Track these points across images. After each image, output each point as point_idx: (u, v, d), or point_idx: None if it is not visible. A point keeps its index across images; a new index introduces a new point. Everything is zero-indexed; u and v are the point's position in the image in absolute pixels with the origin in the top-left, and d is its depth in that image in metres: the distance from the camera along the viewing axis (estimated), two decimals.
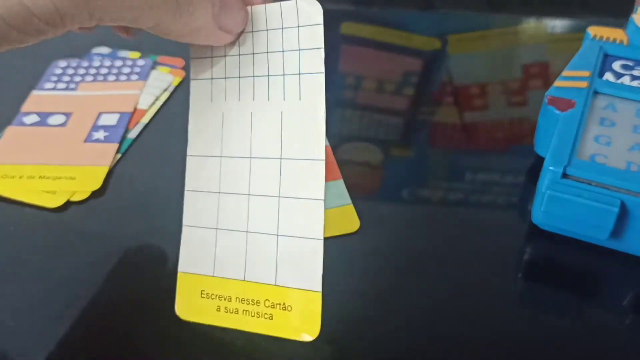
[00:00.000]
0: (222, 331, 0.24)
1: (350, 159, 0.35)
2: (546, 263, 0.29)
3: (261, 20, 0.24)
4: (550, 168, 0.27)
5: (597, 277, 0.29)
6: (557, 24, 0.47)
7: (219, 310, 0.25)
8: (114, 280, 0.28)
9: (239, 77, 0.25)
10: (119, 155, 0.35)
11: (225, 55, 0.25)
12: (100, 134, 0.36)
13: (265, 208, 0.24)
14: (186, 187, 0.26)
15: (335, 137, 0.36)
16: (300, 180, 0.24)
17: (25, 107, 0.38)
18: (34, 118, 0.37)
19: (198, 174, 0.26)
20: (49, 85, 0.40)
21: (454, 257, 0.29)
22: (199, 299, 0.25)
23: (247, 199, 0.25)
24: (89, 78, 0.41)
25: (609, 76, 0.33)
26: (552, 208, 0.28)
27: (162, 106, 0.39)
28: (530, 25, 0.47)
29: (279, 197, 0.24)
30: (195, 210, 0.26)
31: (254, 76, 0.24)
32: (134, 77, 0.41)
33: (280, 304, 0.24)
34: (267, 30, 0.24)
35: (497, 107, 0.39)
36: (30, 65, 0.42)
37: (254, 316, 0.24)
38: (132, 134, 0.36)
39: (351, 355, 0.26)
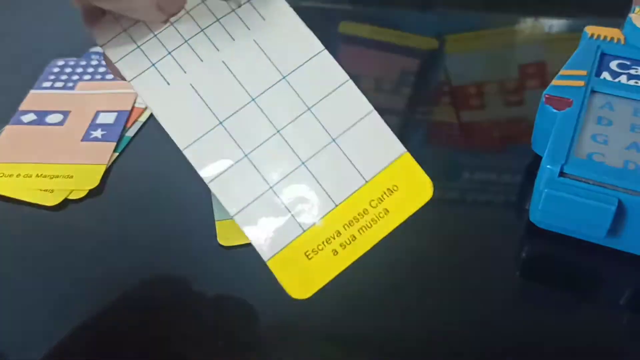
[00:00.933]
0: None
1: None
2: (543, 261, 0.29)
3: None
4: (548, 167, 0.28)
5: (595, 275, 0.29)
6: (554, 24, 0.47)
7: (337, 254, 0.22)
8: (111, 278, 0.28)
9: (186, 41, 0.22)
10: (116, 154, 0.35)
11: (154, 36, 0.22)
12: (97, 133, 0.36)
13: (304, 129, 0.22)
14: (206, 180, 0.22)
15: None
16: (316, 80, 0.22)
17: (23, 106, 0.38)
18: (32, 117, 0.37)
19: (208, 157, 0.22)
20: (47, 84, 0.40)
21: (451, 255, 0.29)
22: (308, 263, 0.22)
23: (279, 136, 0.22)
24: (86, 77, 0.41)
25: (606, 75, 0.33)
26: (549, 206, 0.28)
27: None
28: (527, 25, 0.47)
29: (309, 108, 0.22)
30: (234, 193, 0.22)
31: (202, 30, 0.23)
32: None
33: (385, 193, 0.22)
34: None
35: (494, 107, 0.39)
36: (28, 64, 0.42)
37: (371, 226, 0.22)
38: (130, 133, 0.36)
39: (346, 350, 0.26)
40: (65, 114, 0.38)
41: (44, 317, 0.27)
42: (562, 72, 0.33)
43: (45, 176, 0.33)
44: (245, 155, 0.22)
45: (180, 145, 0.23)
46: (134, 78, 0.22)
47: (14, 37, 0.46)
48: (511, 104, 0.40)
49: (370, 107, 0.22)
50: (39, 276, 0.29)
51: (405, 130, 0.38)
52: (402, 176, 0.22)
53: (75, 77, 0.41)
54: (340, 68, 0.22)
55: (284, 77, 0.22)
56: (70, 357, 0.25)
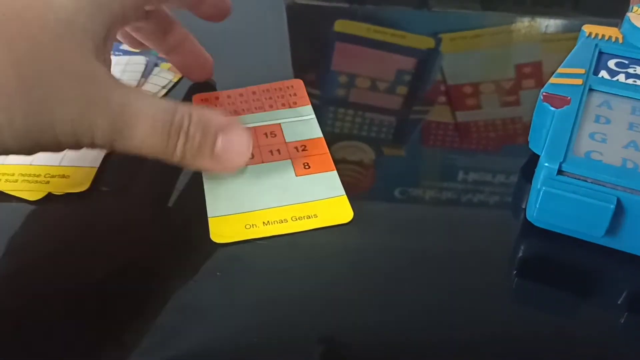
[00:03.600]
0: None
1: (343, 157, 0.34)
2: (540, 260, 0.29)
3: None
4: (546, 164, 0.27)
5: (592, 274, 0.28)
6: (550, 24, 0.47)
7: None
8: (97, 278, 0.28)
9: None
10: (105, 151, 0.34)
11: None
12: None
13: None
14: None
15: (328, 135, 0.36)
16: None
17: None
18: None
19: None
20: None
21: (447, 254, 0.29)
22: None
23: None
24: None
25: (604, 74, 0.32)
26: (547, 205, 0.27)
27: (167, 93, 0.38)
28: (524, 24, 0.47)
29: None
30: None
31: None
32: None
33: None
34: None
35: (490, 106, 0.39)
36: None
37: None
38: None
39: (342, 350, 0.25)
40: None
41: (25, 316, 0.26)
42: (560, 70, 0.33)
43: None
44: None
45: None
46: None
47: None
48: (508, 103, 0.39)
49: None
50: (22, 275, 0.28)
51: (401, 129, 0.38)
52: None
53: None
54: None
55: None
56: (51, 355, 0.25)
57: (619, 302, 0.27)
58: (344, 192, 0.31)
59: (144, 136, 0.26)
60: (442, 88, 0.41)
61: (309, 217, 0.30)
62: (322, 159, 0.33)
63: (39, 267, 0.28)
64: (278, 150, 0.34)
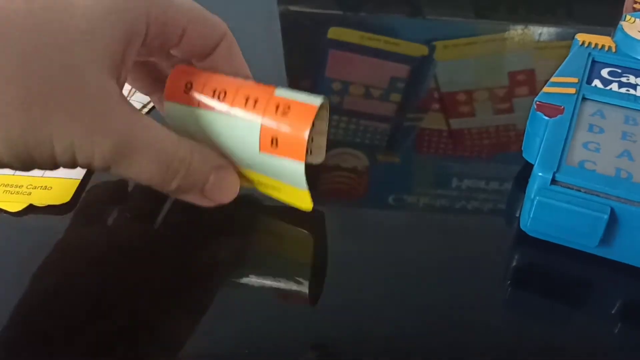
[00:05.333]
0: None
1: (336, 164, 0.34)
2: (534, 270, 0.29)
3: None
4: (539, 174, 0.27)
5: (586, 284, 0.28)
6: (543, 32, 0.47)
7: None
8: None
9: None
10: None
11: None
12: None
13: None
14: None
15: None
16: None
17: None
18: None
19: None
20: None
21: (441, 263, 0.29)
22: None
23: None
24: None
25: (597, 83, 0.32)
26: (540, 214, 0.27)
27: (147, 113, 0.38)
28: (517, 32, 0.47)
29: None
30: None
31: None
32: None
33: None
34: None
35: (484, 114, 0.39)
36: None
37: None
38: None
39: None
40: None
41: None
42: (553, 79, 0.33)
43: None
44: None
45: None
46: None
47: None
48: (501, 111, 0.39)
49: None
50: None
51: (395, 137, 0.37)
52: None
53: None
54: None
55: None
56: None
57: (612, 312, 0.27)
58: (306, 188, 0.28)
59: (144, 166, 0.26)
60: (436, 95, 0.41)
61: (273, 187, 0.29)
62: (295, 138, 0.26)
63: (18, 279, 0.28)
64: (255, 100, 0.27)
